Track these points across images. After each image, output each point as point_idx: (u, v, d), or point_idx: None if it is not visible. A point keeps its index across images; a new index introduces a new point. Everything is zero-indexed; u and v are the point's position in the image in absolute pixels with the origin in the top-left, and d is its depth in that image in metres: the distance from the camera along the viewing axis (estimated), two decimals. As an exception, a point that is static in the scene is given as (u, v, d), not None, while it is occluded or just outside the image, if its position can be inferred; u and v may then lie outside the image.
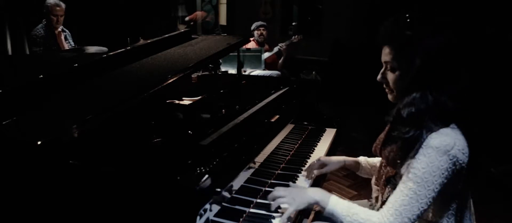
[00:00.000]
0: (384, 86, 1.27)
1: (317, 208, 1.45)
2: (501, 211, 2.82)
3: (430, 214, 1.21)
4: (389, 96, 1.27)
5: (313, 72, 5.66)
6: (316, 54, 6.09)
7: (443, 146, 1.07)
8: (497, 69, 4.06)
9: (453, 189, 1.16)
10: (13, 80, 1.52)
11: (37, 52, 3.84)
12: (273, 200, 1.27)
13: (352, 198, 2.89)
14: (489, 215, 2.64)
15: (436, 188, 1.10)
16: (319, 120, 2.29)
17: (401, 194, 1.13)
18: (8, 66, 1.94)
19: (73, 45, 4.09)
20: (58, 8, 3.82)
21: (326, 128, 2.23)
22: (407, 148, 1.15)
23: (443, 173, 1.09)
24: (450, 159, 1.08)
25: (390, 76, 1.22)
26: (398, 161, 1.19)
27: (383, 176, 1.31)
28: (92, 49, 3.15)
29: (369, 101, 5.20)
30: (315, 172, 1.60)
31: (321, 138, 2.10)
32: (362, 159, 1.62)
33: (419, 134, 1.12)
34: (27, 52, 4.35)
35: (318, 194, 1.26)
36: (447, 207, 1.20)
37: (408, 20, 1.16)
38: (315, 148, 1.96)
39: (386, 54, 1.20)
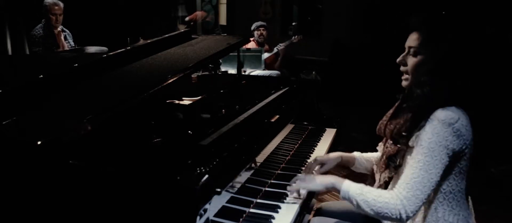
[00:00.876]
0: (402, 69, 1.34)
1: (323, 206, 1.60)
2: (501, 211, 2.82)
3: (431, 194, 1.25)
4: (403, 82, 1.34)
5: (313, 72, 5.66)
6: (316, 54, 6.09)
7: (448, 119, 1.16)
8: (497, 69, 4.06)
9: (456, 167, 1.23)
10: (13, 80, 1.52)
11: (36, 52, 3.84)
12: (294, 182, 1.41)
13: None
14: (489, 215, 2.63)
15: (443, 158, 1.17)
16: (319, 120, 2.29)
17: (411, 168, 1.21)
18: (8, 66, 1.94)
19: (73, 45, 4.09)
20: (56, 7, 3.82)
21: (326, 128, 2.23)
22: (415, 120, 1.23)
23: (448, 145, 1.17)
24: (454, 132, 1.16)
25: (411, 61, 1.29)
26: (404, 134, 1.26)
27: (384, 156, 1.36)
28: (92, 49, 3.16)
29: (369, 101, 5.21)
30: (315, 172, 1.60)
31: (321, 138, 2.10)
32: (357, 154, 1.65)
33: (428, 107, 1.20)
34: (27, 52, 4.35)
35: (333, 178, 1.37)
36: (447, 187, 1.25)
37: (440, 15, 1.31)
38: (315, 148, 1.96)
39: (413, 40, 1.28)
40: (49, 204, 1.10)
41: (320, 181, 1.37)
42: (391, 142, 1.35)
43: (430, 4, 4.20)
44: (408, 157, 1.26)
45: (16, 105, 1.23)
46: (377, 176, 1.43)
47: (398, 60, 1.34)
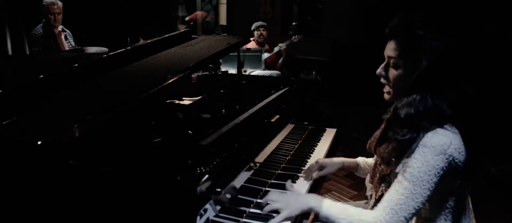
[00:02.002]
0: (382, 80, 1.25)
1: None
2: (501, 211, 2.82)
3: (428, 212, 1.22)
4: (385, 94, 1.26)
5: (313, 72, 5.67)
6: (316, 54, 6.09)
7: (439, 146, 1.07)
8: (497, 70, 4.06)
9: (450, 187, 1.16)
10: (13, 80, 1.52)
11: (36, 51, 3.85)
12: (266, 204, 1.26)
13: (352, 198, 2.89)
14: (489, 215, 2.64)
15: (432, 187, 1.10)
16: (319, 120, 2.29)
17: (396, 193, 1.12)
18: (8, 66, 1.94)
19: (74, 45, 4.09)
20: (55, 6, 3.83)
21: (326, 128, 2.23)
22: (402, 149, 1.14)
23: (438, 172, 1.09)
24: (446, 158, 1.08)
25: (392, 73, 1.20)
26: (393, 160, 1.19)
27: (378, 174, 1.30)
28: (92, 49, 3.15)
29: (369, 101, 5.20)
30: (314, 175, 1.60)
31: (321, 138, 2.10)
32: (360, 160, 1.63)
33: (415, 137, 1.11)
34: (27, 52, 4.36)
35: (311, 200, 1.24)
36: (444, 205, 1.20)
37: (420, 19, 1.14)
38: (315, 148, 1.96)
39: (391, 49, 1.18)
40: (49, 204, 1.10)
41: (295, 206, 1.23)
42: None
43: (428, 4, 4.20)
44: (394, 178, 1.18)
45: (16, 105, 1.23)
46: (373, 193, 1.37)
47: (377, 71, 1.23)
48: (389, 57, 1.19)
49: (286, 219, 1.22)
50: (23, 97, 1.28)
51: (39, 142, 1.01)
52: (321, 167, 1.61)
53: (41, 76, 1.38)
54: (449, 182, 1.14)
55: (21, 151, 1.07)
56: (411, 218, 1.13)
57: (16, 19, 4.88)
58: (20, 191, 1.11)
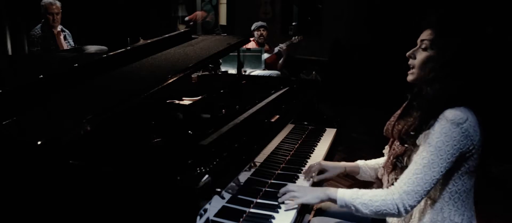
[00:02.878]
0: (409, 62, 1.33)
1: (323, 206, 1.59)
2: (501, 211, 2.82)
3: (437, 194, 1.27)
4: (409, 76, 1.34)
5: (313, 72, 5.66)
6: (316, 54, 6.09)
7: (457, 119, 1.16)
8: (497, 70, 4.06)
9: (462, 168, 1.23)
10: (13, 80, 1.52)
11: (35, 51, 3.85)
12: (284, 193, 1.36)
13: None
14: (489, 215, 2.64)
15: (448, 158, 1.17)
16: (319, 120, 2.29)
17: (414, 164, 1.21)
18: (8, 66, 1.94)
19: (73, 45, 4.09)
20: (53, 6, 3.83)
21: (326, 128, 2.23)
22: (421, 123, 1.23)
23: (455, 144, 1.17)
24: (463, 132, 1.17)
25: (421, 55, 1.29)
26: (412, 133, 1.26)
27: (391, 157, 1.36)
28: (92, 48, 3.16)
29: (369, 101, 5.22)
30: (315, 179, 1.60)
31: (321, 138, 2.10)
32: (360, 163, 1.64)
33: (438, 105, 1.20)
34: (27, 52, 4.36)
35: (327, 190, 1.34)
36: (452, 189, 1.25)
37: (456, 12, 1.29)
38: (315, 148, 1.96)
39: (426, 34, 1.28)
40: (49, 204, 1.10)
41: (312, 195, 1.35)
42: (398, 143, 1.35)
43: (433, 3, 4.20)
44: (414, 155, 1.26)
45: (16, 105, 1.23)
46: (384, 178, 1.42)
47: (408, 53, 1.33)
48: (422, 40, 1.29)
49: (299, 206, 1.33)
50: (23, 97, 1.28)
51: (39, 142, 1.01)
52: (322, 170, 1.62)
53: (41, 76, 1.38)
54: (462, 161, 1.22)
55: (21, 151, 1.07)
56: (426, 192, 1.20)
57: (16, 19, 4.88)
58: (20, 191, 1.11)
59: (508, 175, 3.33)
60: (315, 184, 1.61)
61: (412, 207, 1.21)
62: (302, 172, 1.65)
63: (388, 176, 1.38)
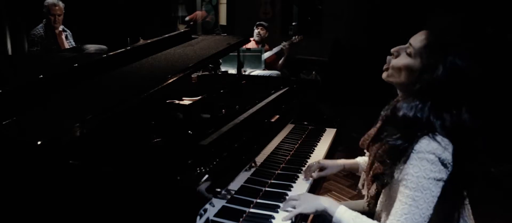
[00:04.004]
0: (388, 59, 1.25)
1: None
2: (501, 211, 2.82)
3: None
4: (384, 73, 1.26)
5: (313, 72, 5.66)
6: (316, 54, 6.09)
7: (434, 150, 1.08)
8: (497, 69, 4.06)
9: (444, 193, 1.13)
10: (13, 80, 1.52)
11: (34, 51, 3.85)
12: (286, 202, 1.33)
13: (352, 198, 2.89)
14: (489, 215, 2.63)
15: (433, 192, 1.09)
16: (319, 120, 2.29)
17: (400, 204, 1.12)
18: (8, 66, 1.94)
19: (74, 45, 4.10)
20: (56, 7, 3.84)
21: (326, 128, 2.23)
22: (395, 153, 1.14)
23: (436, 176, 1.09)
24: (442, 163, 1.08)
25: (403, 57, 1.20)
26: (387, 161, 1.18)
27: (371, 172, 1.29)
28: (92, 48, 3.15)
29: (369, 101, 5.20)
30: (314, 175, 1.60)
31: (321, 138, 2.10)
32: (360, 159, 1.63)
33: (406, 146, 1.11)
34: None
35: (327, 202, 1.27)
36: (441, 210, 1.17)
37: (457, 33, 1.15)
38: (315, 148, 1.96)
39: (418, 40, 1.17)
40: (49, 204, 1.10)
41: (311, 205, 1.28)
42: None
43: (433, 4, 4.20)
44: (395, 187, 1.18)
45: (16, 105, 1.23)
46: (364, 192, 1.38)
47: (393, 49, 1.23)
48: (411, 45, 1.18)
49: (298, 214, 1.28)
50: (23, 97, 1.28)
51: (39, 142, 1.01)
52: (322, 168, 1.61)
53: (41, 76, 1.38)
54: (446, 189, 1.12)
55: (21, 151, 1.07)
56: None
57: (16, 19, 4.88)
58: (20, 191, 1.11)
59: (507, 175, 3.32)
60: (314, 182, 1.61)
61: None
62: (302, 172, 1.65)
63: (368, 191, 1.34)
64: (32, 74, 1.49)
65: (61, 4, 3.89)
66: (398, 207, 1.13)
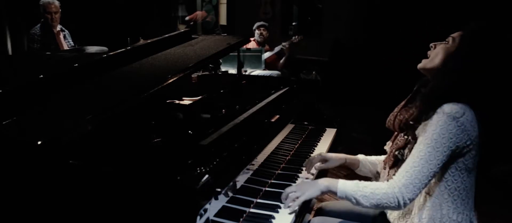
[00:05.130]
0: (428, 52, 1.35)
1: (323, 205, 1.59)
2: (502, 211, 2.82)
3: (437, 191, 1.27)
4: (421, 64, 1.35)
5: (313, 72, 5.66)
6: (316, 54, 6.09)
7: (453, 113, 1.18)
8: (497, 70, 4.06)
9: (461, 163, 1.23)
10: (13, 80, 1.52)
11: (35, 47, 3.86)
12: (286, 197, 1.34)
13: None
14: (490, 215, 2.63)
15: (444, 151, 1.18)
16: (319, 120, 2.29)
17: (412, 157, 1.22)
18: (8, 66, 1.94)
19: (72, 45, 4.10)
20: (52, 6, 3.84)
21: (326, 128, 2.23)
22: (424, 108, 1.25)
23: (451, 137, 1.18)
24: (459, 126, 1.17)
25: (440, 46, 1.31)
26: (411, 123, 1.28)
27: (393, 150, 1.37)
28: (92, 49, 3.16)
29: (369, 100, 5.21)
30: (317, 166, 1.60)
31: (321, 138, 2.10)
32: (361, 157, 1.64)
33: (438, 97, 1.22)
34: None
35: (326, 182, 1.33)
36: (452, 186, 1.26)
37: (489, 32, 1.27)
38: (315, 148, 1.96)
39: (457, 34, 1.29)
40: (49, 204, 1.09)
41: (312, 189, 1.32)
42: (399, 137, 1.37)
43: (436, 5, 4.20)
44: (407, 151, 1.29)
45: (16, 105, 1.23)
46: (384, 172, 1.43)
47: (432, 43, 1.35)
48: (450, 36, 1.30)
49: (304, 202, 1.32)
50: (23, 97, 1.28)
51: (39, 142, 1.01)
52: (323, 160, 1.62)
53: (41, 76, 1.38)
54: (460, 157, 1.22)
55: (21, 151, 1.07)
56: (424, 185, 1.21)
57: (16, 19, 4.89)
58: (20, 191, 1.11)
59: (508, 175, 3.32)
60: (318, 174, 1.62)
61: (411, 199, 1.22)
62: (302, 172, 1.65)
63: (389, 170, 1.39)
64: (32, 74, 1.49)
65: (57, 2, 3.89)
66: (410, 160, 1.23)
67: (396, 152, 1.35)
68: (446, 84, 1.23)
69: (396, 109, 1.44)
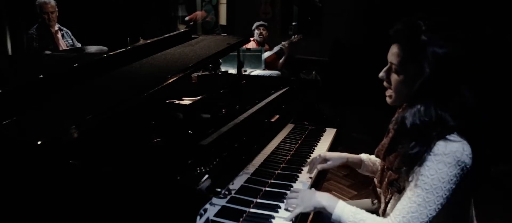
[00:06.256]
0: (385, 84, 1.24)
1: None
2: (501, 211, 2.82)
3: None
4: (387, 98, 1.25)
5: (313, 72, 5.66)
6: (316, 54, 6.09)
7: (452, 153, 1.07)
8: (496, 69, 4.06)
9: (457, 194, 1.14)
10: (13, 80, 1.52)
11: (35, 47, 3.85)
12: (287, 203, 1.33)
13: (352, 198, 2.89)
14: (489, 215, 2.64)
15: (445, 195, 1.09)
16: (319, 120, 2.29)
17: (409, 201, 1.12)
18: (8, 66, 1.94)
19: (72, 43, 4.09)
20: (48, 6, 3.84)
21: (326, 128, 2.23)
22: (413, 161, 1.12)
23: (451, 179, 1.08)
24: (459, 166, 1.08)
25: (394, 78, 1.19)
26: (404, 169, 1.17)
27: (386, 179, 1.29)
28: (92, 49, 3.16)
29: (369, 100, 5.19)
30: (318, 167, 1.59)
31: (321, 138, 2.10)
32: (364, 156, 1.62)
33: (424, 150, 1.09)
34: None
35: (325, 199, 1.27)
36: (447, 211, 1.16)
37: (424, 24, 1.11)
38: (315, 148, 1.96)
39: (393, 55, 1.17)
40: (49, 204, 1.10)
41: (310, 203, 1.28)
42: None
43: (429, 5, 4.20)
44: (402, 183, 1.19)
45: (16, 105, 1.23)
46: (382, 197, 1.35)
47: (380, 75, 1.23)
48: (391, 63, 1.18)
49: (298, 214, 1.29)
50: (23, 97, 1.28)
51: (39, 142, 1.01)
52: (324, 160, 1.60)
53: (41, 76, 1.38)
54: (458, 190, 1.12)
55: (21, 151, 1.07)
56: None
57: (16, 19, 4.88)
58: (20, 191, 1.11)
59: (508, 175, 3.33)
60: (315, 181, 1.61)
61: None
62: (302, 172, 1.65)
63: (385, 198, 1.31)
64: (32, 74, 1.49)
65: (53, 2, 3.89)
66: (406, 204, 1.12)
67: (390, 186, 1.26)
68: (425, 120, 1.09)
69: (380, 146, 1.35)
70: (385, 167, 1.32)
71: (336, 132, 2.20)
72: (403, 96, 1.19)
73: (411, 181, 1.14)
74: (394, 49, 1.17)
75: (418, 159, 1.11)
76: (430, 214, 1.09)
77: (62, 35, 4.02)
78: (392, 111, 1.43)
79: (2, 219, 1.13)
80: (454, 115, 1.09)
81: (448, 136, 1.08)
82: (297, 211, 1.28)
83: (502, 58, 4.14)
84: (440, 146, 1.08)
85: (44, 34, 3.88)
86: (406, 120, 1.14)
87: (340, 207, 1.22)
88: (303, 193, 1.35)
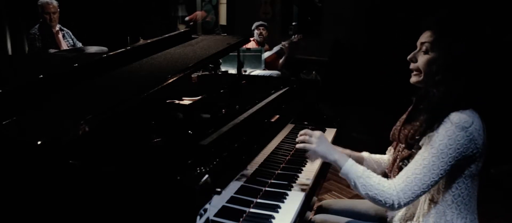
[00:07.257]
0: (411, 66, 1.32)
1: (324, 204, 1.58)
2: (501, 211, 2.82)
3: (440, 196, 1.26)
4: (413, 77, 1.32)
5: (313, 72, 5.66)
6: (316, 54, 6.09)
7: (462, 122, 1.15)
8: (496, 70, 4.06)
9: (465, 171, 1.22)
10: (13, 80, 1.52)
11: (37, 47, 3.86)
12: (303, 135, 1.39)
13: (352, 198, 2.89)
14: (489, 215, 2.64)
15: (450, 161, 1.16)
16: (319, 120, 2.29)
17: (415, 163, 1.20)
18: (8, 66, 1.94)
19: (73, 44, 4.10)
20: (50, 6, 3.85)
21: (326, 128, 2.23)
22: (430, 121, 1.22)
23: (458, 148, 1.16)
24: (467, 136, 1.15)
25: (422, 58, 1.27)
26: (417, 137, 1.25)
27: (398, 160, 1.35)
28: (92, 49, 3.16)
29: (369, 100, 5.22)
30: (319, 160, 1.60)
31: (321, 138, 2.10)
32: (366, 154, 1.63)
33: (442, 116, 1.18)
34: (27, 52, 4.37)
35: (337, 155, 1.35)
36: (455, 191, 1.24)
37: (457, 13, 1.27)
38: (315, 148, 1.96)
39: (426, 37, 1.27)
40: (49, 204, 1.10)
41: (325, 151, 1.36)
42: (404, 146, 1.34)
43: (432, 4, 4.20)
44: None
45: (16, 105, 1.23)
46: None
47: (408, 57, 1.32)
48: (422, 43, 1.28)
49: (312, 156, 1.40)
50: (23, 97, 1.28)
51: (39, 142, 1.01)
52: None
53: (41, 76, 1.38)
54: (466, 164, 1.21)
55: (21, 151, 1.07)
56: (423, 192, 1.19)
57: (16, 19, 4.89)
58: (20, 191, 1.11)
59: (508, 175, 3.33)
60: (315, 181, 1.61)
61: (406, 204, 1.21)
62: (302, 172, 1.65)
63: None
64: (32, 74, 1.49)
65: (55, 2, 3.90)
66: (412, 166, 1.21)
67: (401, 163, 1.33)
68: (449, 92, 1.21)
69: (398, 123, 1.42)
70: (397, 151, 1.39)
71: (336, 132, 2.20)
72: (430, 76, 1.27)
73: (422, 145, 1.22)
74: (426, 34, 1.28)
75: (432, 123, 1.20)
76: (432, 178, 1.17)
77: (63, 36, 4.03)
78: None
79: (2, 219, 1.13)
80: (472, 92, 1.20)
81: (462, 110, 1.17)
82: (312, 147, 1.35)
83: (502, 59, 4.14)
84: (453, 116, 1.17)
85: (45, 34, 3.88)
86: (429, 93, 1.27)
87: (349, 164, 1.30)
88: (321, 137, 1.39)
